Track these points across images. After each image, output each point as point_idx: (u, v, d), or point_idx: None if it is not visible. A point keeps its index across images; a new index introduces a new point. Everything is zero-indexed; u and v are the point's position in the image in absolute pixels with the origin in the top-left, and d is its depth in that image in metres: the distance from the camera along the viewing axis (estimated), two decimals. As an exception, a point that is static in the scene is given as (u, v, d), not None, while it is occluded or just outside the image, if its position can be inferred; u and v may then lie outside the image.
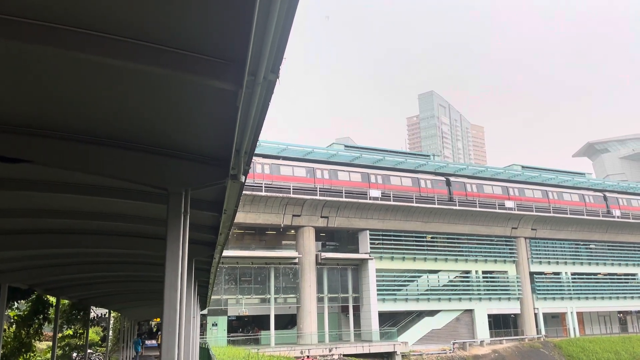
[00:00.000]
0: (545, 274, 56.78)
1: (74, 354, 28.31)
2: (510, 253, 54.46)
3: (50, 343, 20.38)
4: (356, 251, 48.05)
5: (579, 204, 58.35)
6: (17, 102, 4.06)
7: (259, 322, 45.39)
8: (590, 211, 58.61)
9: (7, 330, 19.56)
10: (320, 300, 45.30)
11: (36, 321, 19.94)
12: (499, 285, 53.35)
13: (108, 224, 7.74)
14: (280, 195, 42.56)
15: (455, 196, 50.65)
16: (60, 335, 25.56)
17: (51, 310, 20.19)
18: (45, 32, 2.95)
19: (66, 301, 22.26)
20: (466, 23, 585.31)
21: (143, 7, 2.84)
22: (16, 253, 9.49)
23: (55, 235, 8.46)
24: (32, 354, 19.91)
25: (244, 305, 42.92)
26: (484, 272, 52.90)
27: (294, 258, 44.56)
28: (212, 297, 34.56)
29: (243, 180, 5.16)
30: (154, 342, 42.60)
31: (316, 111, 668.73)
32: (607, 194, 62.13)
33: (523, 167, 64.32)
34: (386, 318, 47.21)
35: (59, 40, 2.99)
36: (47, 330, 26.59)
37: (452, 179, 52.09)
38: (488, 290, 52.37)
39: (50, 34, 2.95)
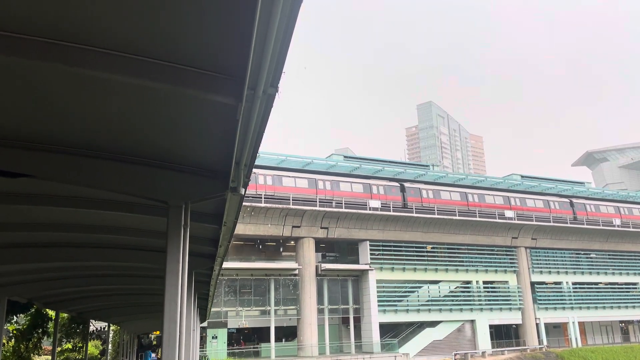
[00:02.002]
0: (546, 283, 56.56)
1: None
2: (510, 263, 54.31)
3: (50, 357, 20.23)
4: (356, 262, 47.91)
5: (579, 213, 58.36)
6: (18, 116, 4.09)
7: (259, 334, 45.15)
8: (590, 220, 58.58)
9: (6, 344, 19.45)
10: (320, 311, 45.07)
11: (35, 335, 19.83)
12: (500, 296, 53.13)
13: (108, 237, 7.74)
14: (280, 206, 42.53)
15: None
16: (59, 349, 25.37)
17: (50, 324, 20.08)
18: (46, 49, 2.98)
19: (65, 315, 22.16)
20: (466, 34, 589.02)
21: (143, 24, 2.87)
22: (16, 267, 9.47)
23: (54, 248, 8.45)
24: (31, 369, 19.77)
25: (243, 317, 42.70)
26: (484, 283, 52.70)
27: (294, 269, 44.41)
28: (212, 309, 34.38)
29: (243, 193, 5.18)
30: (154, 356, 42.29)
31: (315, 122, 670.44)
32: (608, 203, 62.20)
33: (522, 176, 64.37)
34: (387, 329, 46.94)
35: (60, 56, 3.02)
36: (47, 344, 26.40)
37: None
38: (489, 300, 52.14)
39: (52, 50, 2.98)
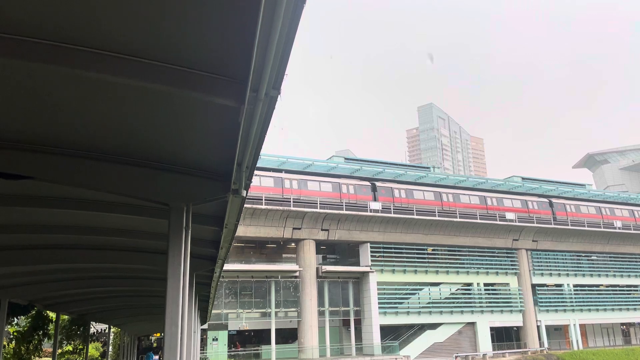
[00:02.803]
0: (547, 286, 56.47)
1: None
2: (511, 265, 54.25)
3: (50, 359, 20.23)
4: (357, 264, 47.88)
5: (580, 215, 58.29)
6: (21, 119, 4.09)
7: (259, 337, 45.11)
8: (591, 222, 58.53)
9: (6, 346, 19.45)
10: (321, 313, 45.03)
11: (36, 337, 19.83)
12: (501, 298, 53.07)
13: (109, 239, 7.75)
14: (281, 208, 42.52)
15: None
16: (59, 351, 25.36)
17: (51, 326, 20.08)
18: (49, 51, 2.98)
19: (66, 317, 22.16)
20: (467, 36, 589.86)
21: (146, 27, 2.88)
22: (17, 269, 9.47)
23: (55, 250, 8.45)
24: (31, 370, 19.77)
25: (244, 319, 42.67)
26: (485, 285, 52.63)
27: (295, 271, 44.39)
28: (213, 311, 34.38)
29: (244, 195, 5.18)
30: (156, 358, 42.27)
31: (315, 123, 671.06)
32: (608, 205, 62.11)
33: (523, 178, 64.33)
34: (388, 331, 46.89)
35: (63, 59, 3.02)
36: (47, 346, 26.40)
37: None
38: (490, 302, 52.08)
39: (55, 53, 2.99)
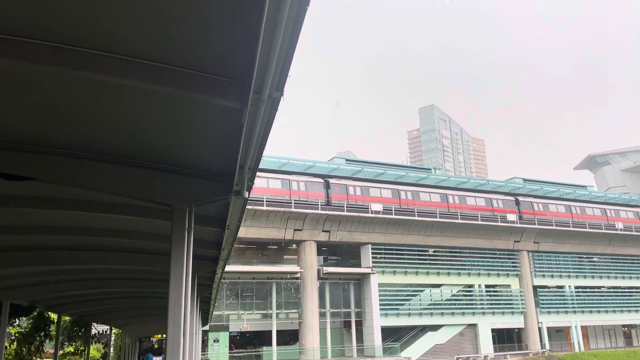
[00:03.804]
0: (549, 287, 56.38)
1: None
2: (513, 267, 54.18)
3: (51, 360, 20.23)
4: (358, 265, 47.84)
5: (581, 217, 58.19)
6: (23, 120, 4.10)
7: (260, 338, 45.07)
8: (593, 224, 58.44)
9: (8, 347, 19.46)
10: (322, 315, 44.99)
11: (37, 338, 19.87)
12: (502, 300, 52.98)
13: (111, 240, 7.75)
14: (282, 209, 42.52)
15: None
16: (61, 352, 25.39)
17: (52, 327, 20.11)
18: (52, 53, 2.99)
19: (67, 318, 22.17)
20: (467, 37, 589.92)
21: (149, 28, 2.88)
22: (18, 270, 9.48)
23: (57, 251, 8.46)
24: (33, 372, 19.78)
25: (245, 320, 42.65)
26: (487, 286, 52.55)
27: (296, 273, 44.36)
28: (214, 312, 34.36)
29: (247, 196, 5.18)
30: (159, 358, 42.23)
31: (316, 124, 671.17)
32: (608, 207, 62.01)
33: (524, 180, 64.25)
34: (389, 333, 46.82)
35: (65, 60, 3.03)
36: (48, 347, 26.42)
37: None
38: (491, 304, 52.00)
39: (58, 54, 3.00)
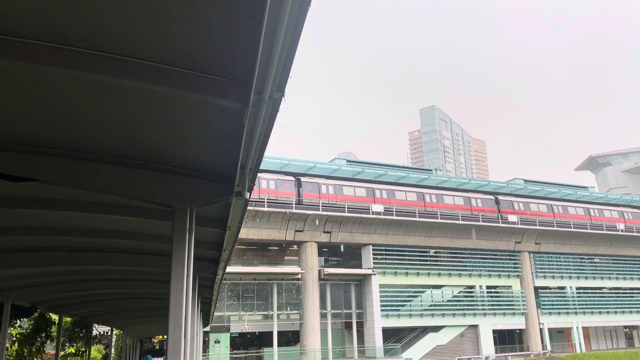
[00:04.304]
0: (550, 288, 56.33)
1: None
2: (514, 267, 54.13)
3: (52, 361, 20.24)
4: (359, 266, 47.83)
5: (583, 218, 58.12)
6: (24, 121, 4.10)
7: (261, 339, 45.06)
8: (595, 225, 58.36)
9: (9, 348, 19.46)
10: (323, 316, 44.98)
11: (38, 339, 19.86)
12: (503, 300, 52.94)
13: (112, 241, 7.75)
14: (283, 210, 42.52)
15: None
16: (62, 353, 25.37)
17: (53, 328, 20.11)
18: (52, 53, 2.99)
19: (68, 319, 22.17)
20: (469, 38, 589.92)
21: (149, 28, 2.88)
22: (20, 271, 9.48)
23: (58, 252, 8.47)
24: (34, 373, 19.78)
25: (246, 321, 42.64)
26: (488, 287, 52.51)
27: (297, 274, 44.36)
28: (215, 313, 34.37)
29: (248, 197, 5.18)
30: None
31: (317, 125, 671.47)
32: (612, 208, 61.93)
33: (526, 180, 64.21)
34: (390, 334, 46.81)
35: (66, 60, 3.03)
36: (50, 348, 26.41)
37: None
38: (492, 305, 51.96)
39: (59, 55, 3.00)
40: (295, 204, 43.35)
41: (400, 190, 49.35)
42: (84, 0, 2.64)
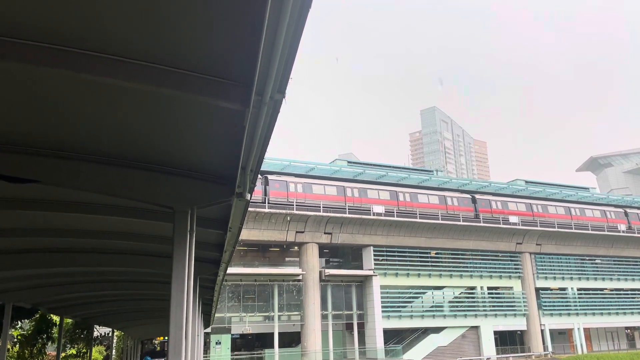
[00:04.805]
0: (551, 289, 56.27)
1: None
2: (515, 268, 54.08)
3: (54, 363, 20.23)
4: (360, 267, 47.82)
5: (584, 219, 58.07)
6: (25, 122, 4.11)
7: (262, 340, 45.03)
8: (595, 226, 58.28)
9: (10, 349, 19.47)
10: (324, 317, 44.96)
11: (39, 340, 19.90)
12: (504, 302, 52.88)
13: (113, 242, 7.76)
14: (284, 211, 42.52)
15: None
16: (63, 354, 25.39)
17: (54, 330, 20.13)
18: (53, 55, 2.99)
19: (70, 320, 22.18)
20: (470, 39, 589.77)
21: (151, 30, 2.89)
22: (21, 272, 9.49)
23: (59, 254, 8.47)
24: (35, 374, 19.79)
25: (247, 323, 42.63)
26: (489, 288, 52.48)
27: (298, 275, 44.35)
28: (216, 314, 34.36)
29: (249, 198, 5.18)
30: None
31: (318, 126, 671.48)
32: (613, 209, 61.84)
33: (527, 182, 64.17)
34: (391, 335, 46.78)
35: (67, 62, 3.03)
36: (51, 349, 26.43)
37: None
38: (494, 306, 51.91)
39: (59, 56, 3.00)
40: (261, 202, 42.27)
41: (373, 189, 48.41)
42: (84, 1, 2.64)
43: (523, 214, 54.71)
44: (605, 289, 59.53)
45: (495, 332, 51.36)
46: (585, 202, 61.99)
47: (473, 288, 51.61)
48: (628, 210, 63.24)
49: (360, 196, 47.10)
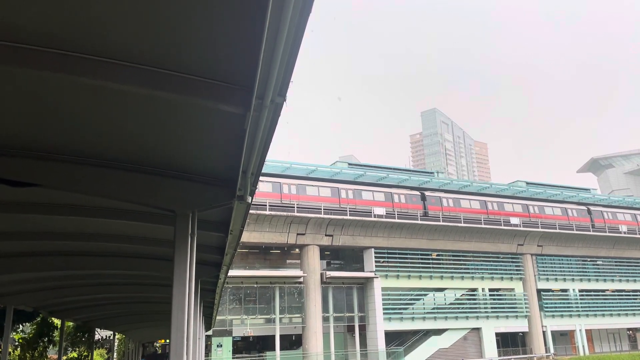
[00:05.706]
0: (553, 291, 56.19)
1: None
2: (516, 270, 54.02)
3: (55, 366, 20.23)
4: (361, 269, 47.79)
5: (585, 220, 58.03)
6: (27, 126, 4.12)
7: (264, 343, 44.99)
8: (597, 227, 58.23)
9: (12, 353, 19.47)
10: (325, 319, 44.92)
11: (41, 344, 19.88)
12: (506, 303, 52.82)
13: (114, 245, 7.76)
14: (285, 213, 42.52)
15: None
16: (64, 358, 25.38)
17: (56, 333, 20.12)
18: (55, 59, 3.00)
19: (71, 323, 22.17)
20: (471, 41, 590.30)
21: (151, 34, 2.90)
22: (22, 275, 9.50)
23: (61, 257, 8.47)
24: (36, 377, 19.78)
25: (248, 325, 42.60)
26: (490, 290, 52.42)
27: (299, 277, 44.33)
28: (217, 317, 34.34)
29: (249, 201, 5.19)
30: None
31: (318, 128, 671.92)
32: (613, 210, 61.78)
33: (528, 183, 64.15)
34: (393, 337, 46.72)
35: (68, 66, 3.04)
36: (52, 352, 26.42)
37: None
38: (495, 308, 51.84)
39: (61, 61, 3.01)
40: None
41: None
42: (86, 6, 2.65)
43: (477, 212, 53.29)
44: (607, 290, 59.43)
45: (497, 334, 51.27)
46: (586, 203, 61.96)
47: (474, 290, 51.55)
48: (629, 211, 63.19)
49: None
